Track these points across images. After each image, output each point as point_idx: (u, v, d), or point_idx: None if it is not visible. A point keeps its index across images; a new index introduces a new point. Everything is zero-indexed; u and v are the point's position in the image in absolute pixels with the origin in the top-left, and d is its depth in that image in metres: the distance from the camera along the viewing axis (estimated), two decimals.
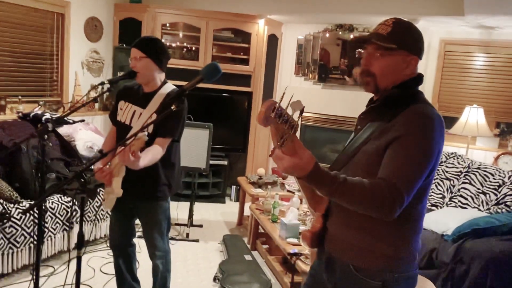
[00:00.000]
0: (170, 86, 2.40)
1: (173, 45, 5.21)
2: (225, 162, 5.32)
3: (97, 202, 3.62)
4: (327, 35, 5.41)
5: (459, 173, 3.99)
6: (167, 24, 5.16)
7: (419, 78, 1.46)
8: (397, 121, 1.35)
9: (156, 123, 2.18)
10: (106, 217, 3.75)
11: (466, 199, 3.79)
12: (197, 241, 4.06)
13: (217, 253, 3.86)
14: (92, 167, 2.22)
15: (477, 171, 3.87)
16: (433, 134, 1.32)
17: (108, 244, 3.76)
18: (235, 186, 5.46)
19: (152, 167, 2.18)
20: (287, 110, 1.21)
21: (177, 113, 2.26)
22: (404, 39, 1.41)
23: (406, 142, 1.31)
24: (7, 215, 2.91)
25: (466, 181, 3.88)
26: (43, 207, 3.00)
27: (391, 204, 1.26)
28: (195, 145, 4.16)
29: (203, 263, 3.63)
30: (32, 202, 3.15)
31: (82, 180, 1.96)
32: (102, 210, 3.68)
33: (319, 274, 1.61)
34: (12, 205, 3.01)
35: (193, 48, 5.17)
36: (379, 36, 1.41)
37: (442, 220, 3.37)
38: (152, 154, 2.15)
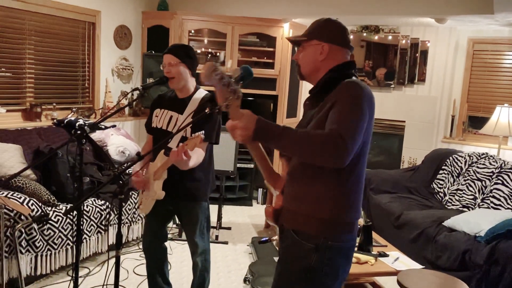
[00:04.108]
0: (203, 91, 2.48)
1: (199, 51, 5.29)
2: (252, 165, 5.35)
3: (129, 205, 3.72)
4: (351, 36, 5.39)
5: (491, 174, 3.92)
6: (192, 31, 5.25)
7: (350, 63, 1.66)
8: (332, 94, 1.53)
9: (193, 125, 2.27)
10: (138, 219, 3.84)
11: (499, 200, 3.72)
12: (226, 243, 4.11)
13: (246, 255, 3.89)
14: (130, 170, 2.30)
15: (510, 172, 3.80)
16: (362, 97, 1.48)
17: (141, 246, 3.87)
18: (261, 189, 5.50)
19: (191, 169, 2.27)
20: (227, 74, 1.38)
21: (210, 117, 2.34)
22: (314, 31, 1.67)
23: (340, 103, 1.47)
24: (45, 217, 3.02)
25: (499, 181, 3.80)
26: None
27: (339, 148, 1.37)
28: (223, 149, 4.22)
29: (233, 265, 3.67)
30: (69, 206, 3.26)
31: (120, 182, 2.04)
32: (134, 213, 3.77)
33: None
34: (50, 208, 3.13)
35: (218, 54, 5.24)
36: (300, 35, 1.69)
37: (474, 221, 3.32)
38: (197, 157, 2.25)
